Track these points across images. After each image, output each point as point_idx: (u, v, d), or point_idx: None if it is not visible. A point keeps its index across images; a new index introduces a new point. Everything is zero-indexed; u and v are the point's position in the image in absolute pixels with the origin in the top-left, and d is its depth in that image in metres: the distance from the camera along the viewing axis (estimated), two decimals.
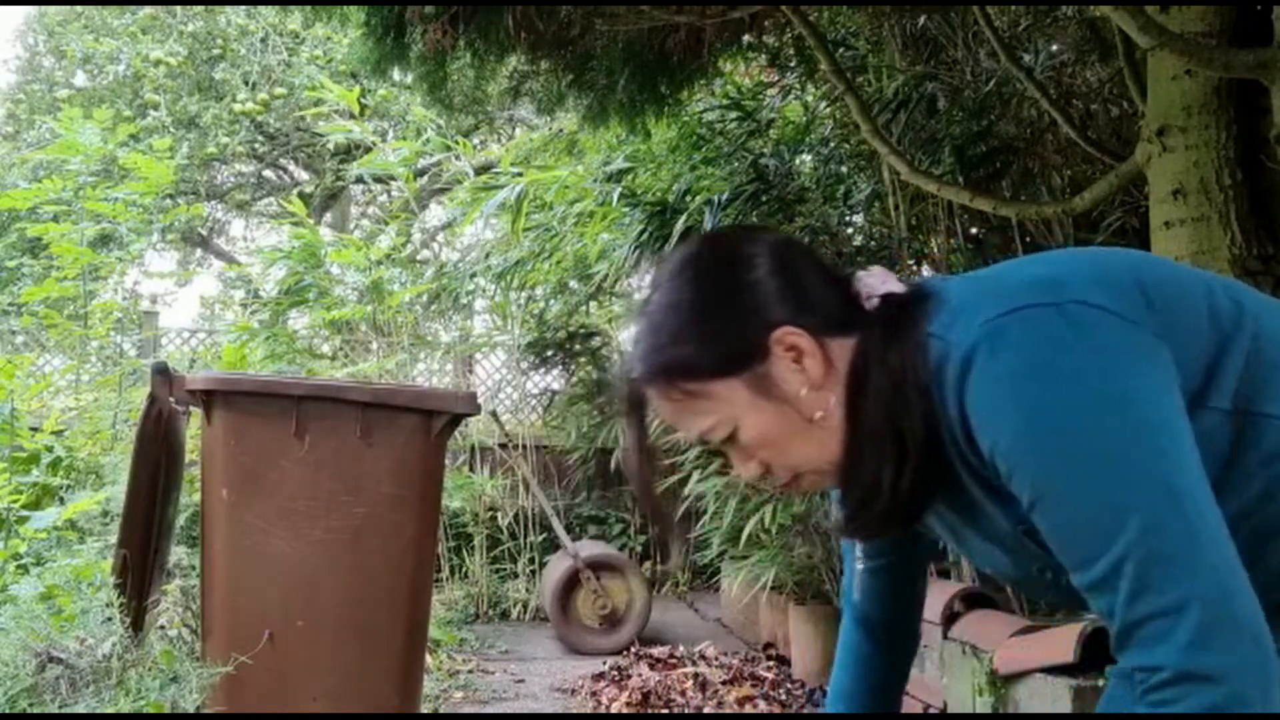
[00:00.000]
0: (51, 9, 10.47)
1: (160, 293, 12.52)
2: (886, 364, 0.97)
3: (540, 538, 5.62)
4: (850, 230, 4.30)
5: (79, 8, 10.10)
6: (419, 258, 10.49)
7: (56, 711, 2.01)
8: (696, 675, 3.80)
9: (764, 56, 4.34)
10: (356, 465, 2.38)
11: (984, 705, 2.58)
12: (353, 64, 5.37)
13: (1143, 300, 0.93)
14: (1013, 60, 3.00)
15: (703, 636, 4.56)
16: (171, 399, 2.51)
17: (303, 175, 12.14)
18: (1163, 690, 0.81)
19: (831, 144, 4.31)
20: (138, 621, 2.35)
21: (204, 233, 12.69)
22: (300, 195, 8.18)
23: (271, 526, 2.37)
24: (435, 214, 11.77)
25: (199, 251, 13.29)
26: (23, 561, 3.25)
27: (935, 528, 1.14)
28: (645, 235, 4.22)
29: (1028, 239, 3.48)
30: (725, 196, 4.03)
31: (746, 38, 3.85)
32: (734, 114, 4.48)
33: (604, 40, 3.50)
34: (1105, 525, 0.84)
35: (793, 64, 4.29)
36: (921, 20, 3.73)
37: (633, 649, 4.32)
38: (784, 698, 3.63)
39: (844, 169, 4.23)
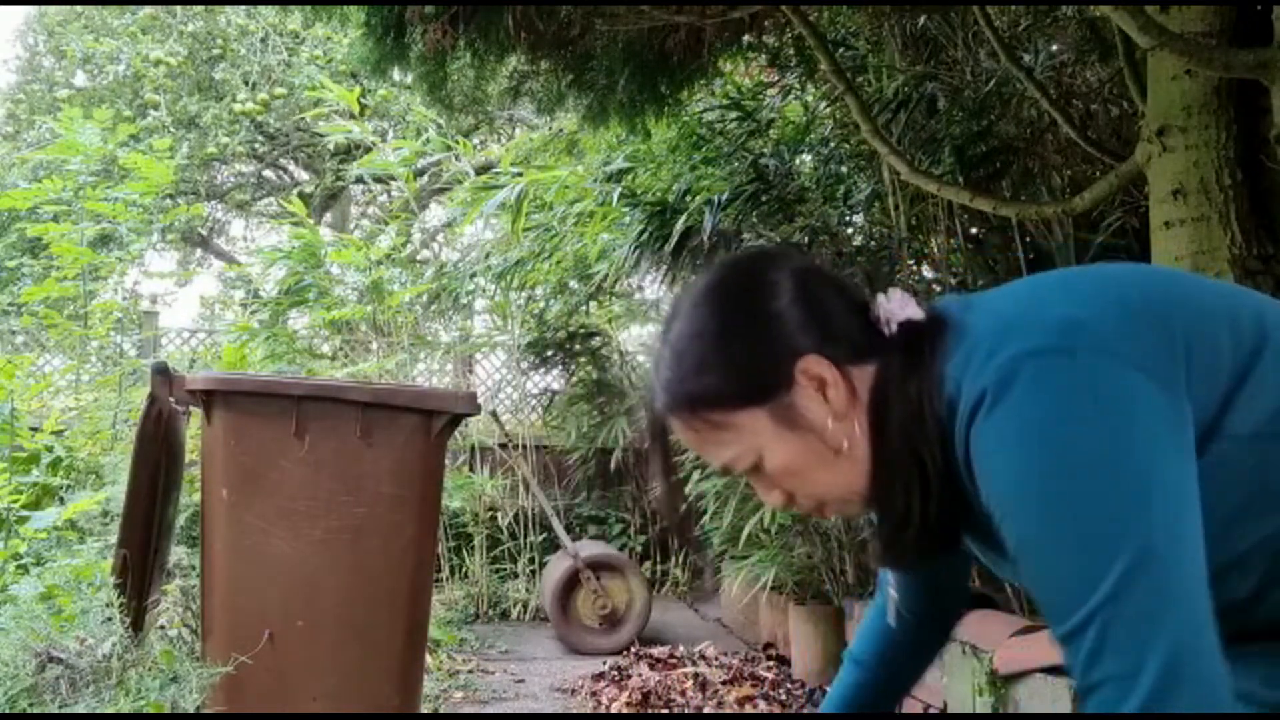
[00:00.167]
0: (51, 9, 10.47)
1: (160, 293, 12.53)
2: (905, 393, 0.97)
3: (540, 538, 5.62)
4: (850, 230, 4.30)
5: (79, 8, 10.10)
6: (419, 258, 10.49)
7: (56, 711, 2.01)
8: (696, 675, 3.80)
9: (764, 56, 4.34)
10: (356, 465, 2.38)
11: (984, 705, 2.58)
12: (353, 64, 5.37)
13: (1164, 339, 0.92)
14: (1013, 60, 2.99)
15: (703, 636, 4.56)
16: (171, 399, 2.51)
17: (303, 175, 12.14)
18: None
19: (831, 144, 4.31)
20: (138, 621, 2.35)
21: (204, 233, 12.69)
22: (300, 195, 8.18)
23: (271, 526, 2.37)
24: (435, 214, 11.78)
25: (199, 251, 13.29)
26: (23, 561, 3.25)
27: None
28: (645, 235, 4.22)
29: (1028, 239, 3.48)
30: (725, 196, 4.03)
31: (746, 38, 3.85)
32: (734, 114, 4.48)
33: (604, 40, 3.50)
34: (1076, 586, 0.84)
35: (793, 64, 4.29)
36: (921, 20, 3.72)
37: (633, 649, 4.32)
38: (784, 698, 3.63)
39: (844, 169, 4.23)
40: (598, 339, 6.20)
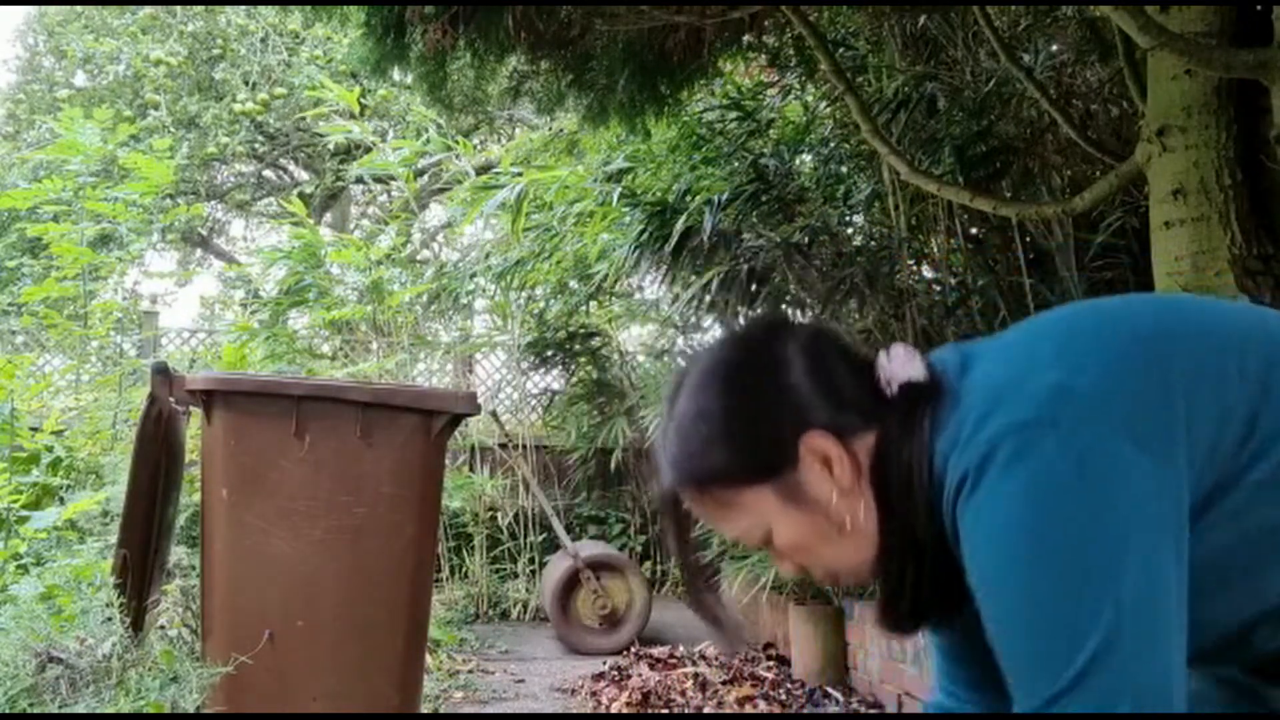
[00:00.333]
0: (51, 9, 10.47)
1: (160, 293, 12.51)
2: (900, 461, 0.98)
3: (540, 538, 5.62)
4: (850, 230, 4.31)
5: (79, 8, 10.10)
6: (419, 258, 10.49)
7: (56, 711, 2.01)
8: (696, 675, 3.80)
9: (764, 56, 4.34)
10: (356, 465, 2.38)
11: None
12: (353, 64, 5.36)
13: (1163, 398, 0.90)
14: (1013, 60, 3.00)
15: (703, 636, 4.56)
16: (171, 399, 2.51)
17: (303, 175, 12.14)
18: None
19: (831, 144, 4.31)
20: (138, 621, 2.35)
21: (204, 233, 12.70)
22: (300, 195, 8.18)
23: (271, 526, 2.37)
24: (435, 214, 11.78)
25: (199, 251, 13.29)
26: (23, 561, 3.25)
27: None
28: (645, 235, 4.23)
29: (1028, 239, 3.49)
30: (725, 196, 4.03)
31: (746, 38, 3.85)
32: (734, 114, 4.48)
33: (604, 40, 3.51)
34: (1042, 673, 0.86)
35: (793, 64, 4.29)
36: (921, 20, 3.73)
37: (633, 649, 4.32)
38: (784, 698, 3.63)
39: (844, 169, 4.23)
40: (598, 339, 6.20)
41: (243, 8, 9.55)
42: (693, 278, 4.23)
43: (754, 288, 4.06)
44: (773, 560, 1.09)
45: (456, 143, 6.62)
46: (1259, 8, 2.19)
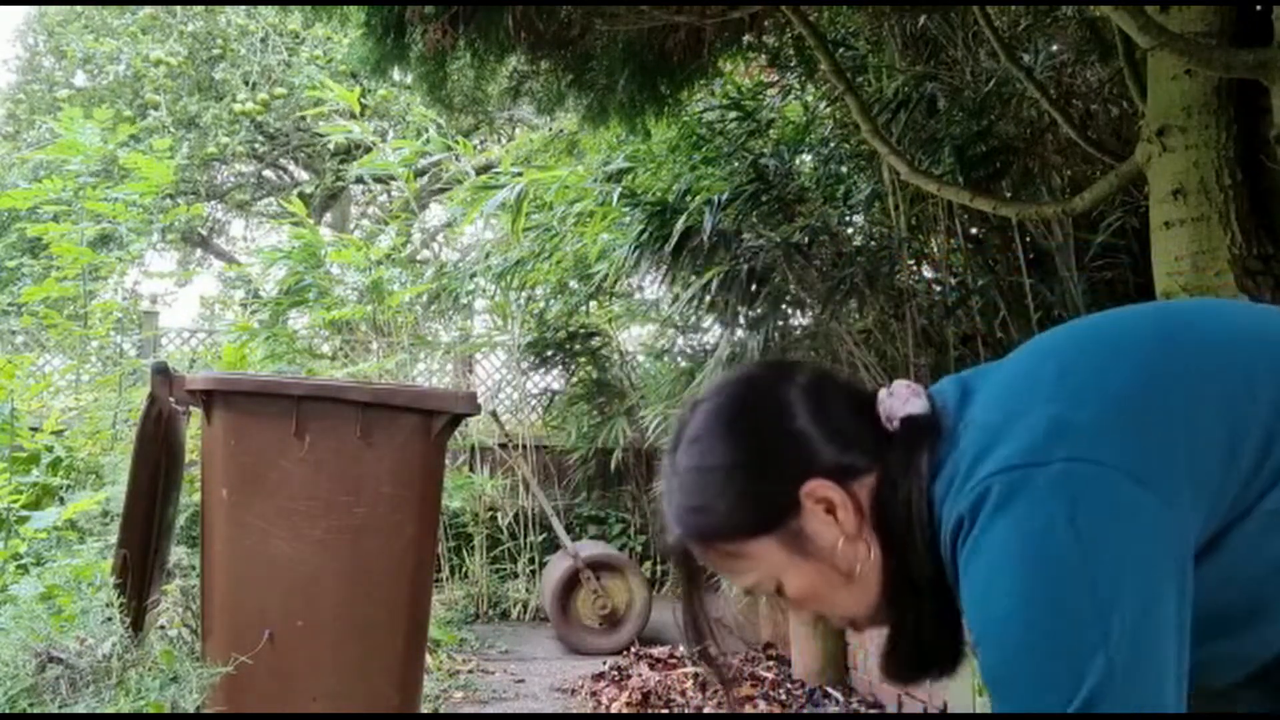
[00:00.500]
0: (51, 9, 10.47)
1: (160, 293, 12.50)
2: (899, 501, 0.97)
3: (540, 538, 5.62)
4: (850, 230, 4.30)
5: (79, 8, 10.10)
6: (419, 258, 10.48)
7: (56, 711, 2.01)
8: (696, 675, 3.80)
9: (764, 56, 4.34)
10: (356, 465, 2.38)
11: (984, 705, 2.58)
12: (353, 64, 5.36)
13: (1164, 429, 0.89)
14: (1013, 60, 2.99)
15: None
16: (171, 399, 2.51)
17: (303, 175, 12.13)
18: None
19: (831, 144, 4.31)
20: (138, 621, 2.35)
21: (204, 233, 12.69)
22: (300, 195, 8.18)
23: (271, 526, 2.37)
24: (435, 214, 11.77)
25: (199, 251, 13.29)
26: (23, 561, 3.25)
27: None
28: (645, 235, 4.22)
29: (1028, 239, 3.48)
30: (725, 196, 4.03)
31: (746, 38, 3.85)
32: (734, 114, 4.48)
33: (604, 40, 3.50)
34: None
35: (793, 64, 4.29)
36: (921, 20, 3.73)
37: (633, 649, 4.32)
38: (784, 698, 3.63)
39: (844, 169, 4.23)
40: (598, 339, 6.20)
41: (243, 8, 9.54)
42: (693, 278, 4.23)
43: (754, 288, 4.06)
44: (790, 610, 1.08)
45: (456, 143, 6.62)
46: (1259, 8, 2.19)
